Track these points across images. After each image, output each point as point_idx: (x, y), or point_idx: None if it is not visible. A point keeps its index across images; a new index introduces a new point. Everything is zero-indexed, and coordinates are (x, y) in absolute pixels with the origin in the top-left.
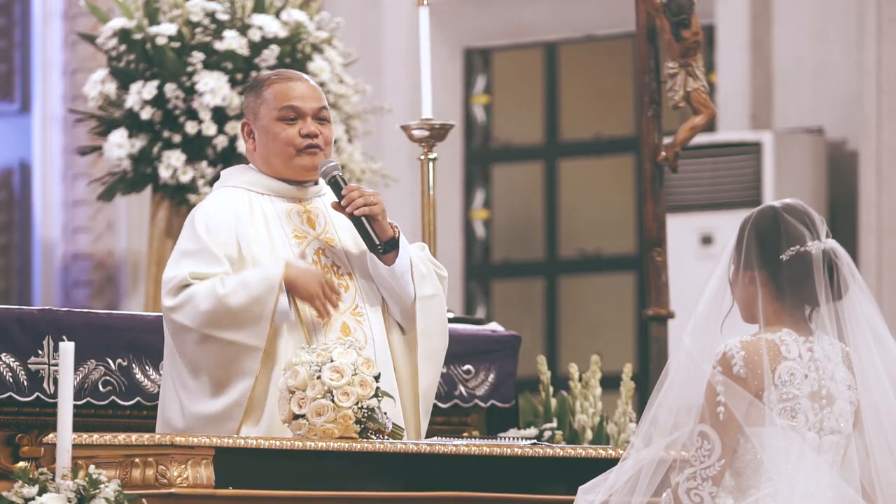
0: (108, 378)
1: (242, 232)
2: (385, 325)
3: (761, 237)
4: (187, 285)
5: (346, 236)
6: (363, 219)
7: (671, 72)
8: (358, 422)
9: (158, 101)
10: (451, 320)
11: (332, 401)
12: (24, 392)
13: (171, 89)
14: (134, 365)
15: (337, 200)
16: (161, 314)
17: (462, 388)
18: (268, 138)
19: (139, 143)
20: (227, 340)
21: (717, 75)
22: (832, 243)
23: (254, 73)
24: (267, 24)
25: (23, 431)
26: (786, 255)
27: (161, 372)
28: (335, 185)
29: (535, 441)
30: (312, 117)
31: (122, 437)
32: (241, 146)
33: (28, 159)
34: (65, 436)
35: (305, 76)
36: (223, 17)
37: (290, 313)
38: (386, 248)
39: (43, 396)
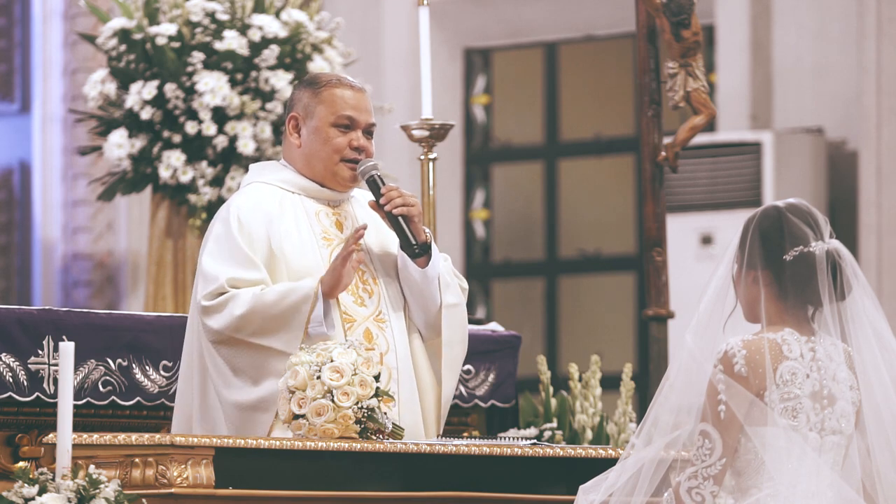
0: (108, 378)
1: (274, 229)
2: (407, 331)
3: (765, 237)
4: (225, 292)
5: (373, 242)
6: (400, 219)
7: (671, 72)
8: (358, 422)
9: (158, 101)
10: None
11: (332, 401)
12: (24, 392)
13: (171, 89)
14: (134, 365)
15: (375, 199)
16: (160, 314)
17: (462, 388)
18: (318, 140)
19: (139, 143)
20: (257, 345)
21: (717, 75)
22: (836, 244)
23: (253, 73)
24: (267, 24)
25: (23, 431)
26: (789, 256)
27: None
28: (373, 184)
29: (535, 441)
30: (363, 131)
31: (122, 437)
32: (242, 146)
33: (28, 159)
34: (65, 436)
35: (364, 88)
36: (223, 17)
37: (324, 325)
38: (421, 250)
39: (43, 396)
